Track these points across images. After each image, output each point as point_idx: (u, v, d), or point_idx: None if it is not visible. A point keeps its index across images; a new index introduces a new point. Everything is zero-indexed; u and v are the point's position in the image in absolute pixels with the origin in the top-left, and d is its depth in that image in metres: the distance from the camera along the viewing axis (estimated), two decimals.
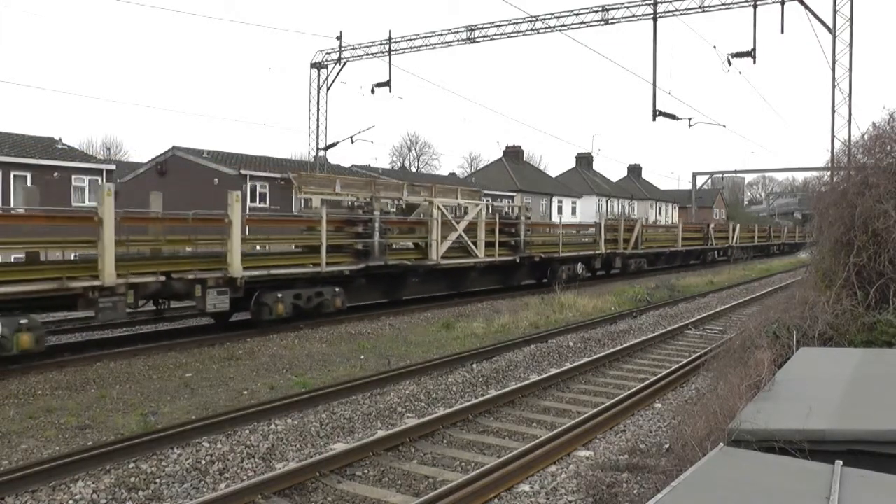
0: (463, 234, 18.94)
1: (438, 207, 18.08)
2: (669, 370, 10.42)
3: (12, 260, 12.48)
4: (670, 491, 3.59)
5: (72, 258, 12.24)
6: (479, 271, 20.15)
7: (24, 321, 9.96)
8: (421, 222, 18.16)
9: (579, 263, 25.19)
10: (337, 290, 14.91)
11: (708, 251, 37.35)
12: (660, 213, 75.87)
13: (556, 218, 49.84)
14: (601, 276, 27.14)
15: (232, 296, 12.64)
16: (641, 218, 37.38)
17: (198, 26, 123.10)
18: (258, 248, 15.24)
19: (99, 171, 30.90)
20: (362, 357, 11.38)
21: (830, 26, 23.11)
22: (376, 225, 15.86)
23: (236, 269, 12.56)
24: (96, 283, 10.58)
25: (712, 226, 39.67)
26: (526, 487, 5.99)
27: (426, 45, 29.85)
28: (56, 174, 28.96)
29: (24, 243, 10.97)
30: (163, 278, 11.55)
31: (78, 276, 10.57)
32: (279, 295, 13.57)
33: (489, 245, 19.98)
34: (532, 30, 27.71)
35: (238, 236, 12.67)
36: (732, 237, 40.65)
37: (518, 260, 21.31)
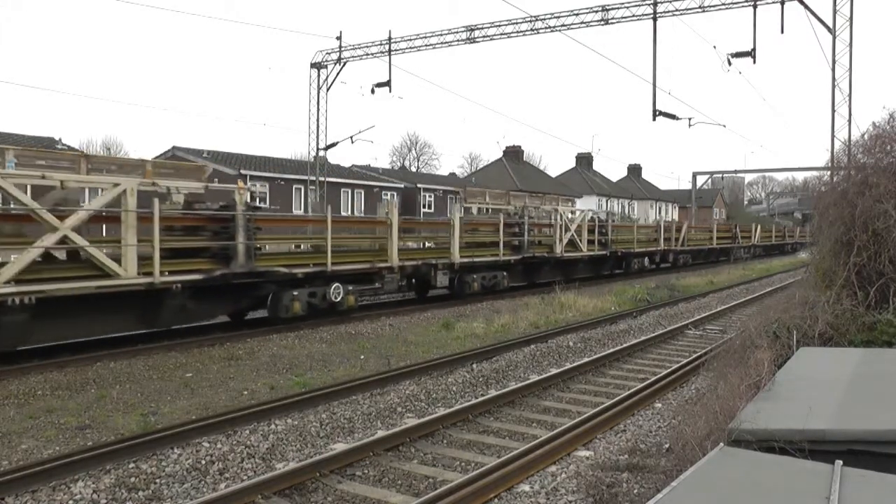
0: (574, 234, 24.19)
1: (561, 214, 23.49)
2: (669, 370, 10.42)
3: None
4: (670, 491, 3.59)
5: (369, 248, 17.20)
6: (584, 262, 25.65)
7: (350, 288, 15.08)
8: (548, 224, 23.65)
9: (646, 258, 31.32)
10: (504, 273, 20.54)
11: (736, 248, 42.63)
12: (660, 213, 75.84)
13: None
14: (605, 276, 27.74)
15: (450, 276, 18.43)
16: (687, 221, 41.43)
17: (198, 26, 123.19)
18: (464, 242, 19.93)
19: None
20: (362, 357, 11.39)
21: (830, 26, 23.11)
22: (526, 227, 21.58)
23: (455, 257, 18.50)
24: (387, 264, 16.30)
25: (738, 227, 45.02)
26: (526, 487, 5.99)
27: (426, 45, 29.85)
28: None
29: (354, 238, 17.40)
30: (419, 263, 17.52)
31: (377, 261, 16.26)
32: (474, 276, 19.30)
33: (589, 242, 25.42)
34: (532, 30, 27.70)
35: (458, 235, 18.60)
36: (754, 236, 46.52)
37: (608, 254, 26.96)
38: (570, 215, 24.76)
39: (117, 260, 10.93)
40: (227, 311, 14.10)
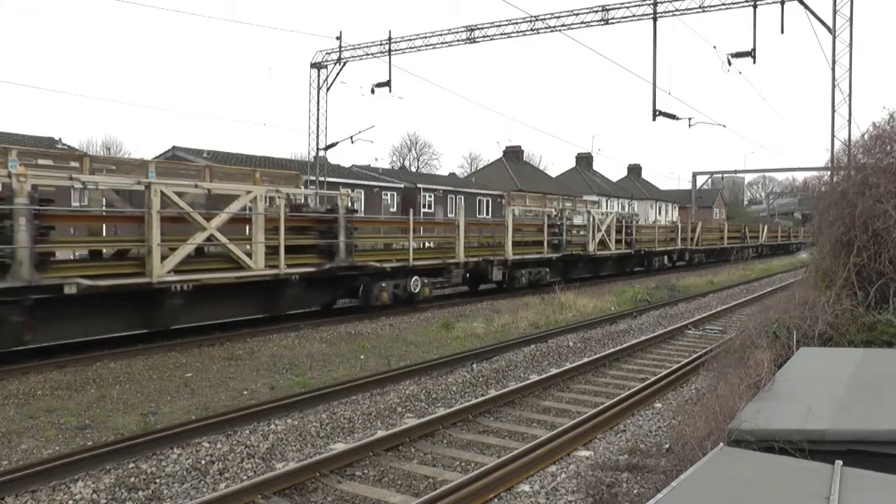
0: (605, 234, 26.25)
1: (593, 216, 25.80)
2: (669, 370, 10.42)
3: (424, 246, 20.51)
4: (670, 491, 3.59)
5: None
6: (612, 260, 27.55)
7: (425, 280, 17.40)
8: (582, 225, 25.98)
9: (665, 256, 33.64)
10: (547, 269, 22.80)
11: (744, 248, 44.21)
12: (660, 213, 75.83)
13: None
14: (612, 275, 28.05)
15: (503, 271, 20.50)
16: (701, 221, 42.64)
17: (198, 26, 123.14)
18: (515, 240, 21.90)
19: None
20: (362, 357, 11.39)
21: (830, 26, 23.10)
22: (565, 227, 23.91)
23: (509, 254, 20.65)
24: (455, 260, 18.64)
25: (747, 227, 47.84)
26: (526, 487, 5.99)
27: (426, 45, 29.85)
28: None
29: (432, 237, 20.86)
30: (479, 259, 19.64)
31: (446, 257, 18.57)
32: (523, 272, 21.51)
33: (617, 241, 27.41)
34: (532, 30, 27.69)
35: (510, 235, 20.86)
36: (762, 236, 49.44)
37: (633, 252, 29.04)
38: (600, 216, 26.67)
39: (248, 255, 12.99)
40: (327, 299, 16.20)
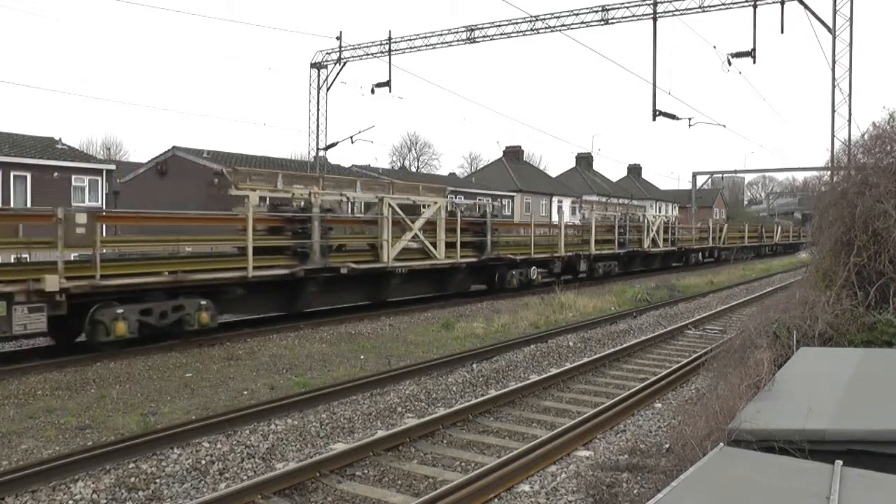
0: (655, 234, 30.83)
1: (647, 218, 30.84)
2: (669, 370, 10.41)
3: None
4: (670, 491, 3.59)
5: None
6: (660, 256, 32.51)
7: (539, 270, 22.42)
8: (638, 227, 30.09)
9: (700, 253, 37.93)
10: (615, 263, 27.63)
11: (762, 246, 50.25)
12: (660, 213, 75.80)
13: (555, 218, 50.89)
14: (609, 276, 27.99)
15: (587, 264, 25.67)
16: (727, 222, 47.10)
17: (198, 26, 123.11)
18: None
19: (99, 171, 30.89)
20: (362, 357, 11.38)
21: (830, 26, 23.11)
22: (627, 227, 28.80)
23: (592, 250, 25.66)
24: (558, 255, 23.45)
25: (763, 227, 53.33)
26: (526, 487, 5.99)
27: (426, 45, 29.87)
28: (56, 174, 28.94)
29: (543, 237, 25.16)
30: (573, 254, 24.48)
31: (552, 252, 23.32)
32: (600, 264, 26.48)
33: (664, 240, 32.08)
34: (532, 30, 27.71)
35: (594, 234, 25.87)
36: (776, 235, 54.40)
37: (675, 249, 33.72)
38: (651, 219, 31.44)
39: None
40: (476, 283, 20.88)
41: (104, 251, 11.40)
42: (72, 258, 11.43)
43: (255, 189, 14.06)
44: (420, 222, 17.18)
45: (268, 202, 15.58)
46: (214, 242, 14.66)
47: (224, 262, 13.14)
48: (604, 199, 34.52)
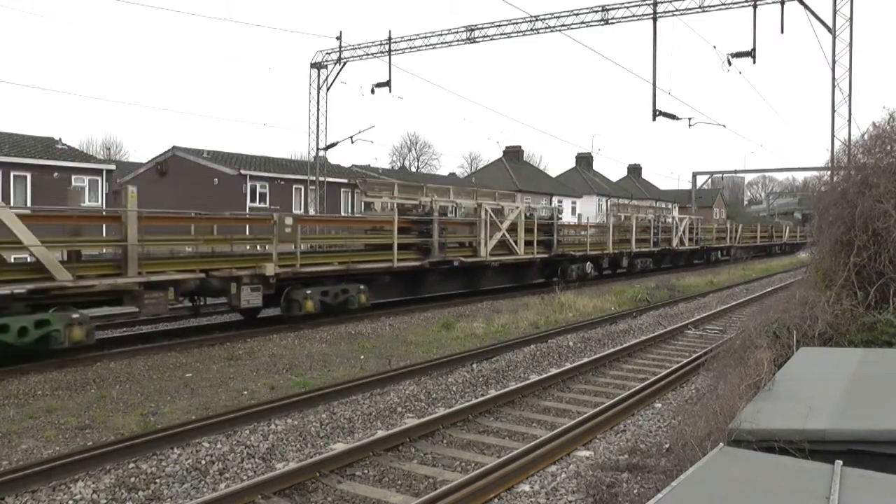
0: (682, 233, 34.07)
1: (676, 219, 34.91)
2: (669, 370, 10.42)
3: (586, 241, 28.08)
4: (670, 491, 3.59)
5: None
6: (686, 253, 36.09)
7: (592, 265, 26.10)
8: (668, 227, 33.25)
9: (720, 251, 41.40)
10: (650, 259, 31.03)
11: (773, 245, 53.93)
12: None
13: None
14: (608, 276, 28.39)
15: (629, 260, 28.85)
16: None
17: (198, 26, 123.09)
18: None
19: (99, 172, 30.87)
20: (362, 357, 11.38)
21: (830, 26, 23.09)
22: (660, 228, 31.68)
23: (633, 248, 28.74)
24: (608, 252, 26.92)
25: (773, 228, 56.99)
26: (526, 487, 5.99)
27: (426, 45, 29.82)
28: (56, 174, 28.92)
29: (593, 236, 28.86)
30: (619, 251, 27.87)
31: (601, 250, 26.77)
32: (638, 261, 29.70)
33: (690, 240, 35.34)
34: (532, 30, 27.68)
35: (634, 233, 28.77)
36: (784, 235, 57.90)
37: (699, 248, 37.04)
38: (678, 220, 35.17)
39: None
40: (540, 276, 23.82)
41: (302, 246, 14.87)
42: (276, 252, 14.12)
43: (380, 196, 17.88)
44: (507, 223, 20.35)
45: (388, 207, 18.07)
46: (367, 240, 17.69)
47: (376, 255, 16.53)
48: (635, 203, 37.40)
